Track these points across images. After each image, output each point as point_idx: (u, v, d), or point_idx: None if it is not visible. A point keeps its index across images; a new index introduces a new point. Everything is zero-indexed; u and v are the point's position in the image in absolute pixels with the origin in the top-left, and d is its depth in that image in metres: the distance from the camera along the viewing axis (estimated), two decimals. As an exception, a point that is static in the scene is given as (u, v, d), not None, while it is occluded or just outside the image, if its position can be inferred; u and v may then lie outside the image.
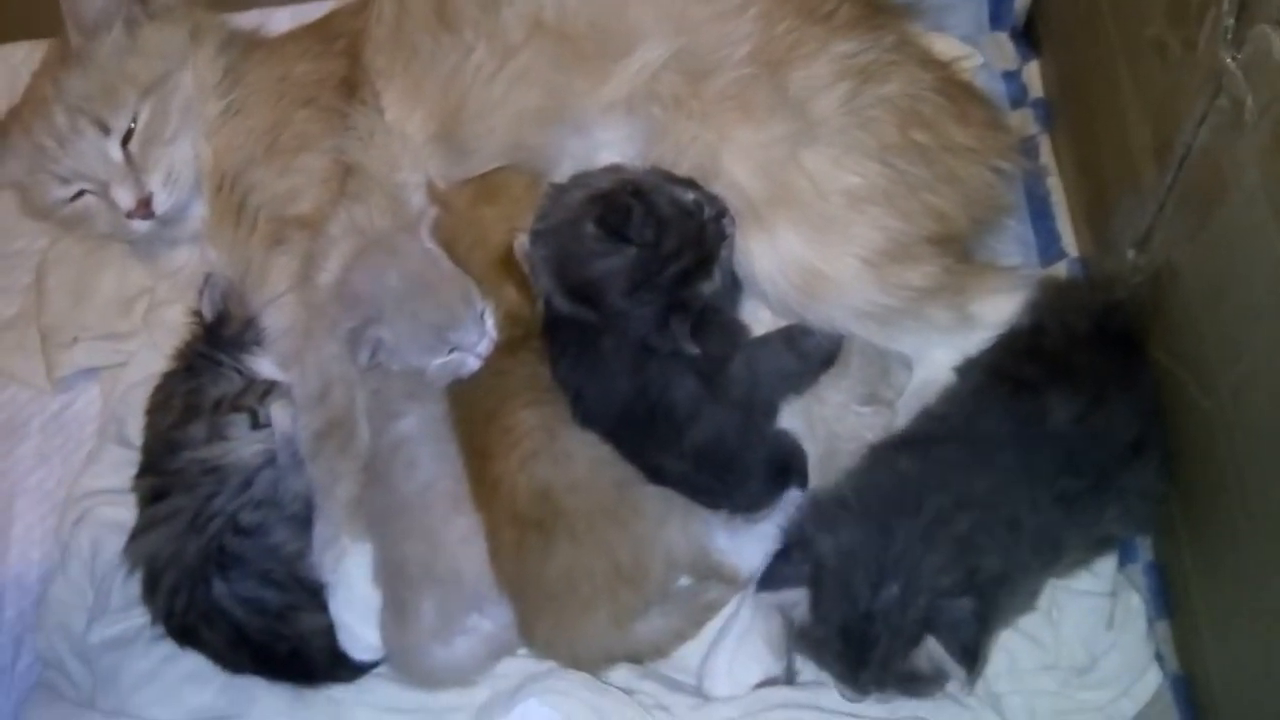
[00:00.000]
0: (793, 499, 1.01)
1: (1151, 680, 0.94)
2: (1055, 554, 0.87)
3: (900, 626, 0.80)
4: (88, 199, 1.07)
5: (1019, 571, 0.85)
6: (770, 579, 0.87)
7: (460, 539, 0.98)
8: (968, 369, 0.95)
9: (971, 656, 0.80)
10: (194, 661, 1.02)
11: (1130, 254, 0.93)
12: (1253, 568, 0.81)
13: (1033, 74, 1.18)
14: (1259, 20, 0.67)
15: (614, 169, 1.03)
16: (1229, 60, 0.70)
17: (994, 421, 0.88)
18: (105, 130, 1.04)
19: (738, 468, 0.99)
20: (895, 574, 0.81)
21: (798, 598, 0.85)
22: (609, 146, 1.04)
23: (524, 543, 0.95)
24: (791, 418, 1.03)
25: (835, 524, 0.85)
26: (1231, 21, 0.69)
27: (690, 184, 0.98)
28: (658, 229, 0.96)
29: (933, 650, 0.80)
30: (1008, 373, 0.91)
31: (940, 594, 0.81)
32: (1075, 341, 0.91)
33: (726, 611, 1.00)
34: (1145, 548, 0.98)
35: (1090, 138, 1.04)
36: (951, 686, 0.83)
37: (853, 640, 0.83)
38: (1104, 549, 0.94)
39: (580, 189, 1.00)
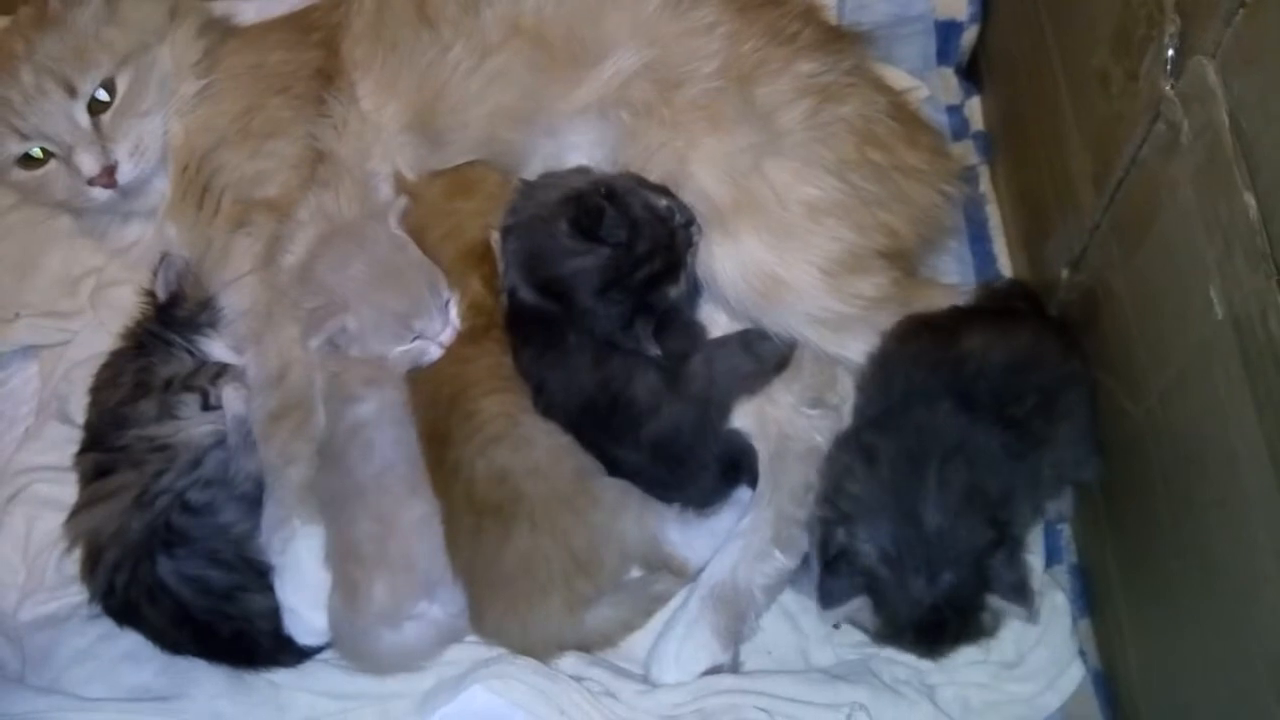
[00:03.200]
0: (742, 496, 1.06)
1: (1074, 675, 0.99)
2: (1034, 477, 0.92)
3: (965, 605, 0.85)
4: (49, 163, 1.05)
5: (1018, 486, 0.89)
6: (829, 596, 0.89)
7: (415, 523, 0.99)
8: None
9: (1027, 593, 0.86)
10: (132, 641, 1.01)
11: (1064, 273, 1.00)
12: (1172, 568, 0.86)
13: (974, 109, 1.26)
14: (1196, 52, 0.73)
15: (582, 170, 1.06)
16: (1168, 88, 0.77)
17: (920, 374, 0.94)
18: (71, 93, 1.02)
19: (692, 462, 1.02)
20: (944, 561, 0.85)
21: (860, 604, 0.88)
22: (579, 148, 1.07)
23: (482, 527, 0.97)
24: (744, 419, 1.06)
25: (866, 526, 0.88)
26: (1172, 53, 0.76)
27: (663, 190, 1.01)
28: (630, 231, 0.99)
29: (993, 605, 0.85)
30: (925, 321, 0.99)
31: (982, 555, 0.85)
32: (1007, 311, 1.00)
33: (674, 603, 1.02)
34: (1071, 550, 1.04)
35: (1029, 166, 1.12)
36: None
37: (926, 631, 0.87)
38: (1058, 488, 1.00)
39: (553, 188, 1.03)
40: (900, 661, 0.99)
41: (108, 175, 1.04)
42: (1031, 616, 0.88)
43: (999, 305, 1.02)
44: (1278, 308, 0.67)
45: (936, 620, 0.86)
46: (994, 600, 0.85)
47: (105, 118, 1.04)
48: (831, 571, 0.89)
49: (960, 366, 0.92)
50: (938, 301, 1.05)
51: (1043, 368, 0.93)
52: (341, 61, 1.10)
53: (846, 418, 1.05)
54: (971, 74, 1.29)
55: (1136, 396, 0.88)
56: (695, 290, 1.06)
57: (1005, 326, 0.95)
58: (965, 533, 0.85)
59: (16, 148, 1.04)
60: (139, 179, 1.07)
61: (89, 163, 1.03)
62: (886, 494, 0.88)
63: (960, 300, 1.05)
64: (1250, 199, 0.69)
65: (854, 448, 0.93)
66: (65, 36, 1.03)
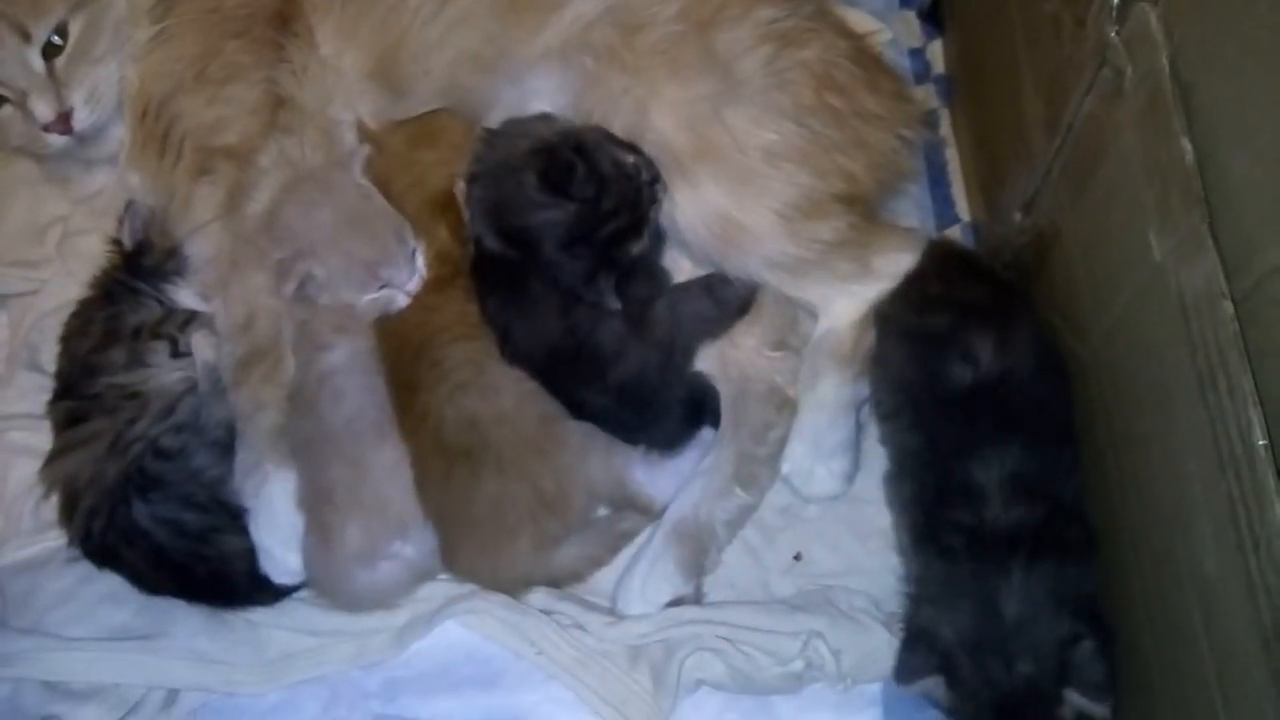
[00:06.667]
0: (705, 437, 1.08)
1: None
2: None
3: (1043, 695, 0.84)
4: (4, 108, 1.05)
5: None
6: (903, 671, 0.89)
7: (386, 467, 1.01)
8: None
9: (1107, 690, 0.84)
10: (111, 582, 1.03)
11: (1018, 217, 1.02)
12: (1112, 499, 0.90)
13: (936, 52, 1.27)
14: (1139, -1, 0.76)
15: (546, 118, 1.07)
16: (1113, 34, 0.79)
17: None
18: (26, 37, 1.01)
19: (657, 404, 1.04)
20: (1023, 652, 0.84)
21: (934, 682, 0.88)
22: (542, 95, 1.07)
23: (451, 471, 0.99)
24: (707, 361, 1.09)
25: (947, 609, 0.88)
26: (1117, 0, 0.78)
27: (630, 147, 1.02)
28: (598, 188, 0.99)
29: (1073, 700, 0.84)
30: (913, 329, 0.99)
31: (1063, 646, 0.84)
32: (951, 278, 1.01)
33: (640, 539, 1.05)
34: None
35: (987, 111, 1.13)
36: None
37: (1004, 716, 0.86)
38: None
39: (521, 137, 1.03)
40: (859, 591, 1.03)
41: (63, 121, 1.04)
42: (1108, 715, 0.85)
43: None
44: (1211, 249, 0.69)
45: (1015, 707, 0.85)
46: (1072, 695, 0.84)
47: (59, 63, 1.03)
48: (909, 648, 0.89)
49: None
50: (896, 244, 1.07)
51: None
52: (298, 4, 1.09)
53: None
54: (934, 17, 1.30)
55: (1082, 336, 0.91)
56: (659, 238, 1.08)
57: (995, 326, 0.96)
58: (1044, 622, 0.85)
59: None
60: (95, 126, 1.06)
61: (43, 109, 1.03)
62: (967, 582, 0.88)
63: (918, 246, 1.06)
64: (1187, 144, 0.71)
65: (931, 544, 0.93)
66: None
